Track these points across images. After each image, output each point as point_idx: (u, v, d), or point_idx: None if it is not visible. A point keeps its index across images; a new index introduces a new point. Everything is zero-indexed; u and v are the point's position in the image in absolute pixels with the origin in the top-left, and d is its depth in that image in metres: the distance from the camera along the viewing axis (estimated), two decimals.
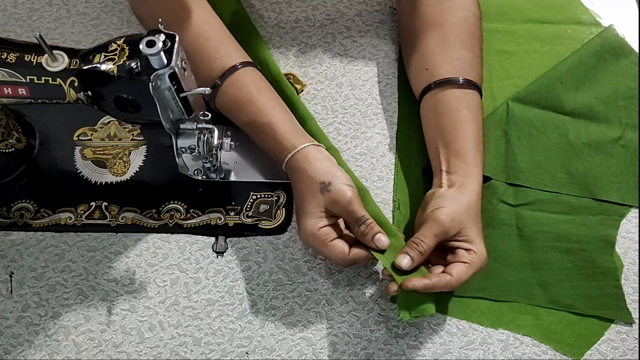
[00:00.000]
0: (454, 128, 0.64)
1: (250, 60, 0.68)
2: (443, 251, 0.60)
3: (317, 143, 0.64)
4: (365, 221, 0.58)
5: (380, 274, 0.62)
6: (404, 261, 0.57)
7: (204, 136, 0.60)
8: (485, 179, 0.68)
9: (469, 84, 0.65)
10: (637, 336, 0.62)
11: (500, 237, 0.66)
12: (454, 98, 0.65)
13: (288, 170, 0.62)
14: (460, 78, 0.65)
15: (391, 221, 0.67)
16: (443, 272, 0.57)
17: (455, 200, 0.59)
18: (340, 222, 0.61)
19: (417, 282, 0.56)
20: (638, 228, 0.67)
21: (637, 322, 0.63)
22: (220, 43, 0.67)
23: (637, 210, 0.68)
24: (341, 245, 0.58)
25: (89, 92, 0.55)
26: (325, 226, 0.59)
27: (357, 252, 0.59)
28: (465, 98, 0.65)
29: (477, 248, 0.58)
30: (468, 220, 0.59)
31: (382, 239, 0.58)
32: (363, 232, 0.58)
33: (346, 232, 0.61)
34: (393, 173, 0.70)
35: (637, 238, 0.67)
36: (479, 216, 0.60)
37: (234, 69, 0.65)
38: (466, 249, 0.58)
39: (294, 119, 0.65)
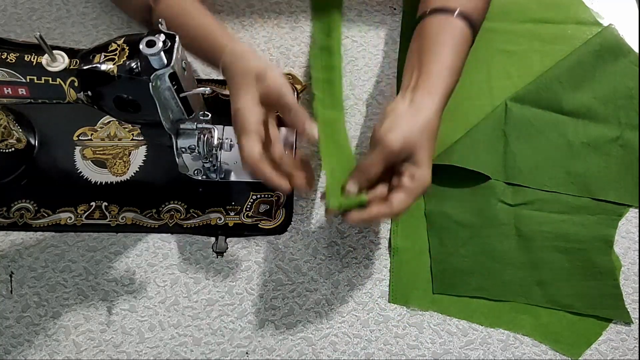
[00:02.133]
0: (432, 51, 0.62)
1: None
2: (390, 170, 0.59)
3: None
4: (297, 110, 0.57)
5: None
6: (351, 188, 0.57)
7: (204, 136, 0.60)
8: (484, 178, 0.68)
9: (460, 16, 0.63)
10: (637, 336, 0.62)
11: (499, 236, 0.66)
12: (438, 24, 0.63)
13: (224, 67, 0.61)
14: (452, 8, 0.63)
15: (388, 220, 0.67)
16: (384, 199, 0.57)
17: (411, 120, 0.57)
18: (274, 146, 0.59)
19: (356, 216, 0.56)
20: (638, 228, 0.67)
21: (637, 322, 0.63)
22: None
23: (636, 210, 0.68)
24: (255, 143, 0.56)
25: (89, 92, 0.55)
26: (256, 109, 0.57)
27: (265, 167, 0.56)
28: (451, 26, 0.63)
29: (420, 173, 0.56)
30: (421, 142, 0.57)
31: (313, 128, 0.57)
32: (294, 121, 0.58)
33: (280, 156, 0.59)
34: None
35: (637, 238, 0.67)
36: (433, 138, 0.58)
37: None
38: (411, 174, 0.56)
39: (224, 26, 0.65)
